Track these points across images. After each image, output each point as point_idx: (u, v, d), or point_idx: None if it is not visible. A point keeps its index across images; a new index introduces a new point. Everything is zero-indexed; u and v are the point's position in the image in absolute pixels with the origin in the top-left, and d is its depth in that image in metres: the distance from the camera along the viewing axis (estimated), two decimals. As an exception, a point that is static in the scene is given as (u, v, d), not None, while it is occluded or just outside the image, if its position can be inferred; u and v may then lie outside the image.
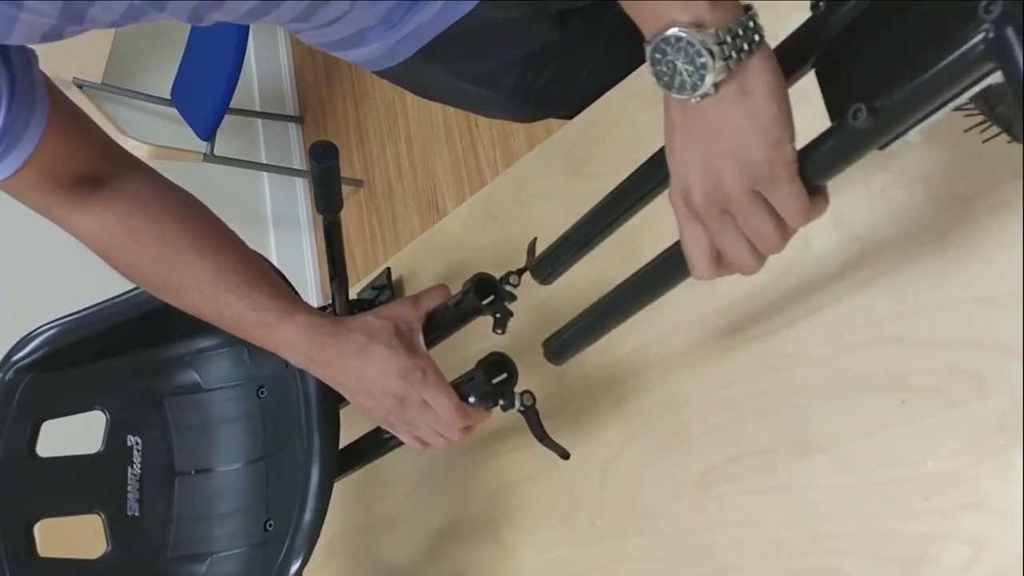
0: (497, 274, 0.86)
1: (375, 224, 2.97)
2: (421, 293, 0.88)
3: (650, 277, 0.68)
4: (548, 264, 0.77)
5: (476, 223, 1.12)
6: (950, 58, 0.49)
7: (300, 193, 3.23)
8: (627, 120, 0.97)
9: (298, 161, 3.25)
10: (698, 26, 0.54)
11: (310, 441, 0.95)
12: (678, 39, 0.55)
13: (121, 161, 0.83)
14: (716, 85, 0.55)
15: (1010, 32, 0.46)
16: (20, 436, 1.03)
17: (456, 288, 0.90)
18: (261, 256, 0.88)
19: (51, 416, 1.06)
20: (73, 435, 1.09)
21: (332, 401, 0.94)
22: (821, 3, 0.58)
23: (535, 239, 0.85)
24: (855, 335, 0.74)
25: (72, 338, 1.06)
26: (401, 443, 0.88)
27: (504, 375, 0.81)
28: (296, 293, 0.89)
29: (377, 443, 0.92)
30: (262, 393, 1.08)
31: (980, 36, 0.47)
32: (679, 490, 0.86)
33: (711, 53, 0.54)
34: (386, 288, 1.18)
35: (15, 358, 1.04)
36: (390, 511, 1.18)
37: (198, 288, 0.83)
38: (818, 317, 0.77)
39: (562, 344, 0.76)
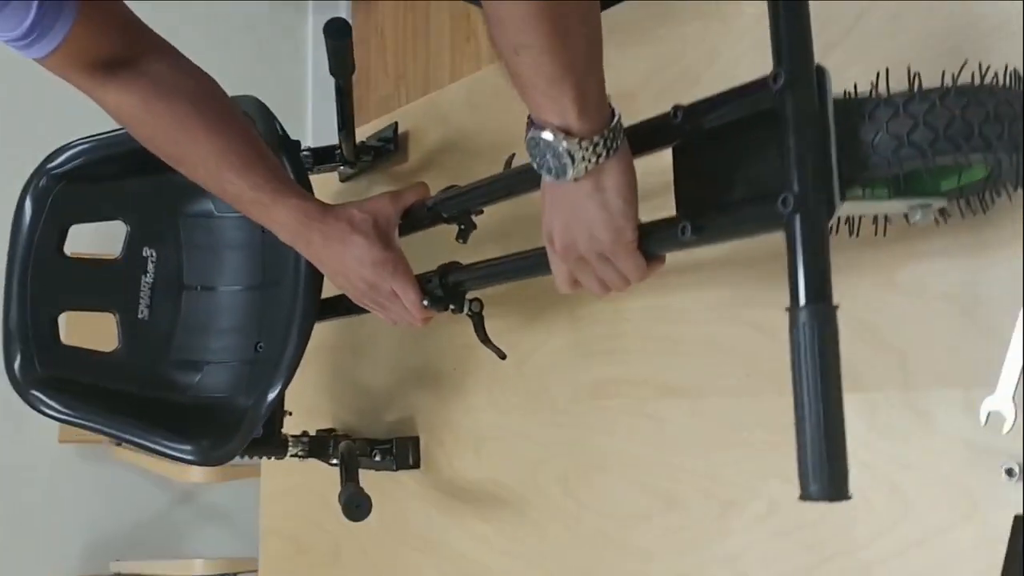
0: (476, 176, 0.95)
1: (413, 20, 2.98)
2: (402, 190, 0.98)
3: (532, 262, 0.81)
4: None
5: (482, 98, 1.19)
6: (756, 217, 0.64)
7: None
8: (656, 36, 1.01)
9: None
10: (566, 132, 0.66)
11: (297, 285, 1.07)
12: (546, 141, 0.66)
13: (146, 44, 0.91)
14: (576, 179, 0.67)
15: (797, 223, 0.60)
16: (50, 237, 1.16)
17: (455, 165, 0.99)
18: (261, 141, 0.96)
19: (78, 221, 1.19)
20: (96, 242, 1.21)
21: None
22: (678, 112, 0.69)
23: (513, 155, 0.93)
24: (723, 313, 0.86)
25: (103, 154, 1.17)
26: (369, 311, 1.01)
27: (457, 283, 0.92)
28: (297, 172, 0.98)
29: (352, 305, 1.04)
30: (265, 229, 1.20)
31: (776, 214, 0.60)
32: (577, 393, 1.00)
33: (572, 158, 0.66)
34: (391, 141, 1.27)
35: (50, 166, 1.16)
36: (361, 348, 1.33)
37: (204, 165, 0.93)
38: (702, 291, 0.88)
39: (466, 280, 0.90)
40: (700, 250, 0.77)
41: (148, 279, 1.20)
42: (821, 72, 0.62)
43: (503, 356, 0.97)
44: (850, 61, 0.77)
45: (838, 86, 0.68)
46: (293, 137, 1.11)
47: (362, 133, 1.32)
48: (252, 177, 0.93)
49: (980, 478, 0.67)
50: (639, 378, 0.94)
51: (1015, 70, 0.63)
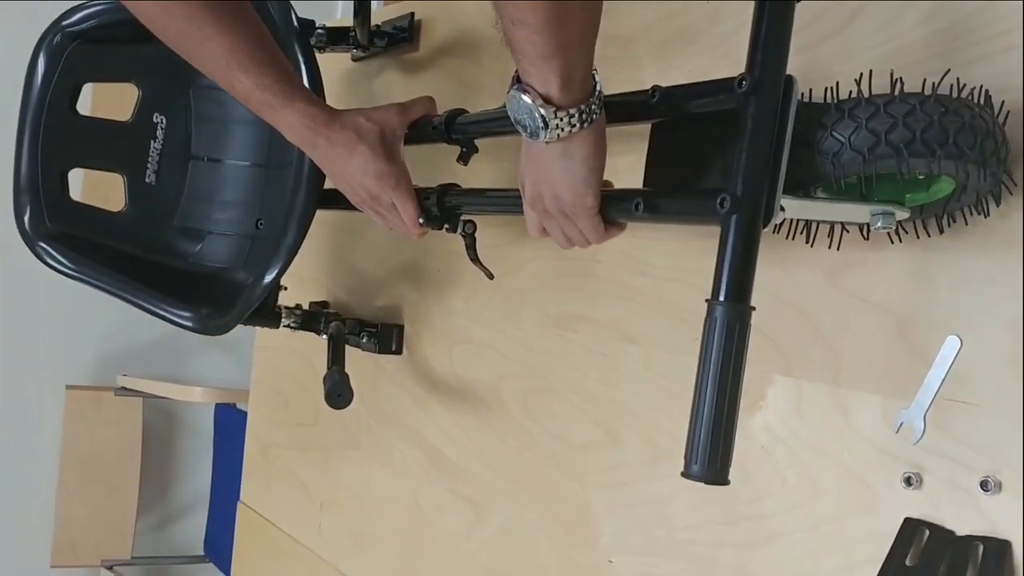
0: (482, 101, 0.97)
1: None
2: (410, 103, 1.00)
3: (512, 201, 0.84)
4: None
5: (478, 11, 1.18)
6: (698, 208, 0.69)
7: None
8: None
9: None
10: (546, 100, 0.69)
11: (300, 174, 1.11)
12: (526, 102, 0.69)
13: None
14: (547, 142, 0.71)
15: (732, 223, 0.63)
16: (63, 94, 1.19)
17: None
18: (272, 43, 0.97)
19: (91, 80, 1.21)
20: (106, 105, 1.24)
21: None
22: (655, 93, 0.72)
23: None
24: (690, 276, 0.90)
25: (119, 16, 1.18)
26: None
27: (454, 206, 0.95)
28: (309, 70, 1.00)
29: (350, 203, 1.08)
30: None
31: (714, 211, 0.64)
32: (542, 319, 1.05)
33: (545, 124, 0.69)
34: (405, 31, 1.27)
35: (65, 23, 1.18)
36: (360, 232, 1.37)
37: (214, 62, 0.94)
38: (675, 247, 0.91)
39: (462, 204, 0.94)
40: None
41: (157, 145, 1.24)
42: (789, 82, 0.64)
43: (491, 276, 1.02)
44: (838, 58, 0.77)
45: (825, 80, 0.70)
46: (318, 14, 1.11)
47: (379, 18, 1.32)
48: (261, 78, 0.94)
49: (883, 479, 0.73)
50: (602, 319, 0.98)
51: (985, 89, 0.64)
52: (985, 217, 0.67)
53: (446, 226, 0.97)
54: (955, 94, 0.65)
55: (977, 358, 0.68)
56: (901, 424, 0.71)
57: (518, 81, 0.70)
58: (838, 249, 0.75)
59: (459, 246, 1.15)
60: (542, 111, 0.69)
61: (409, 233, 0.99)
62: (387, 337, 1.26)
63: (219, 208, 1.25)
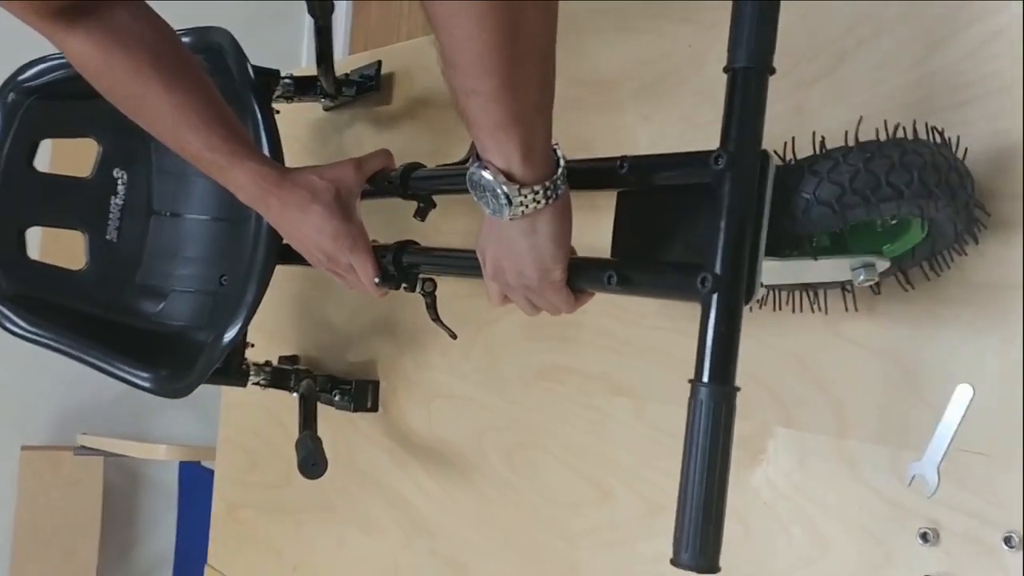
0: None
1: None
2: (366, 158, 0.96)
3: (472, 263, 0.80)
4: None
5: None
6: (676, 285, 0.65)
7: None
8: (643, 30, 1.00)
9: None
10: (508, 176, 0.65)
11: (260, 230, 1.07)
12: (487, 179, 0.66)
13: None
14: (511, 218, 0.67)
15: (713, 302, 0.61)
16: (20, 150, 1.14)
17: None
18: (221, 101, 0.94)
19: (49, 136, 1.17)
20: (66, 161, 1.20)
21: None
22: (624, 163, 0.70)
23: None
24: (679, 324, 0.86)
25: (75, 71, 1.14)
26: None
27: (411, 264, 0.92)
28: (250, 139, 0.96)
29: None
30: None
31: (694, 289, 0.61)
32: (525, 372, 1.02)
33: (510, 202, 0.66)
34: (373, 79, 1.24)
35: (21, 78, 1.13)
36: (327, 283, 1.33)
37: (161, 121, 0.90)
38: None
39: (420, 263, 0.90)
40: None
41: (118, 201, 1.19)
42: (765, 157, 0.62)
43: (454, 336, 0.98)
44: (827, 100, 0.75)
45: (812, 124, 0.68)
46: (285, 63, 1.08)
47: (349, 66, 1.29)
48: (209, 137, 0.91)
49: (897, 536, 0.70)
50: (587, 371, 0.95)
51: (937, 128, 0.63)
52: (963, 256, 0.65)
53: (404, 285, 0.93)
54: (910, 136, 0.63)
55: (986, 406, 0.66)
56: (913, 476, 0.69)
57: (477, 158, 0.67)
58: (825, 313, 0.72)
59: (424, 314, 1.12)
60: (504, 188, 0.66)
61: (370, 293, 0.95)
62: (362, 394, 1.21)
63: (182, 264, 1.21)
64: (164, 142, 0.93)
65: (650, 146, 0.89)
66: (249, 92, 1.05)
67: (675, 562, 0.59)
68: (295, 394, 1.25)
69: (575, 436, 0.96)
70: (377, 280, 0.92)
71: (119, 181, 1.19)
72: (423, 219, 0.93)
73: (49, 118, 1.15)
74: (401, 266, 0.91)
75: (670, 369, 0.87)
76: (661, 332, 0.89)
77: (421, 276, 0.93)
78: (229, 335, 1.05)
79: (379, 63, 1.24)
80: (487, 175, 0.66)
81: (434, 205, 0.94)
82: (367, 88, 1.26)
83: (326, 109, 1.34)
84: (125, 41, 0.88)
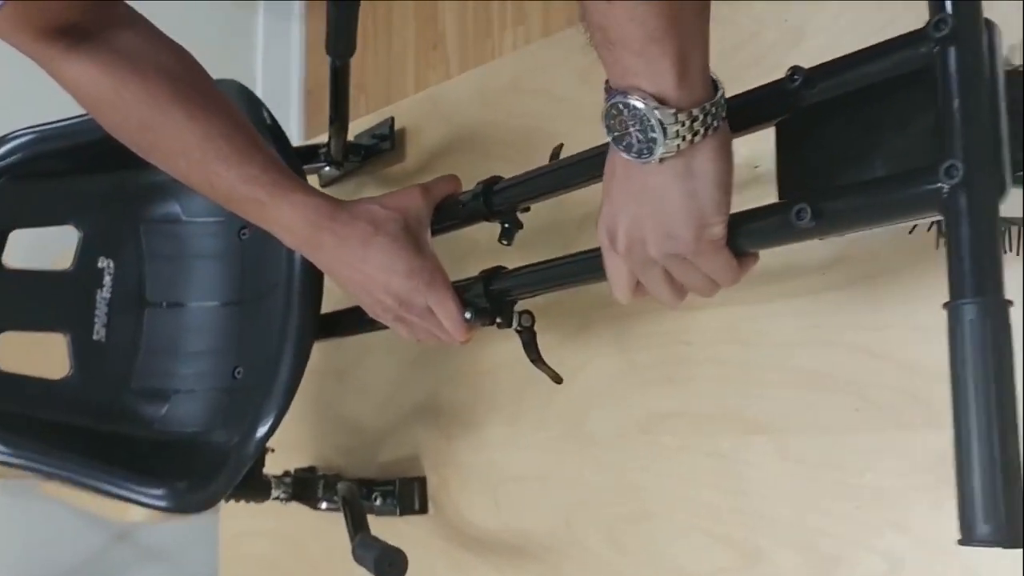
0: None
1: (371, 23, 2.81)
2: (432, 182, 0.83)
3: (582, 266, 0.69)
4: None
5: (496, 91, 1.05)
6: (902, 196, 0.51)
7: (297, -23, 3.05)
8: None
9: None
10: (660, 100, 0.53)
11: (290, 295, 0.91)
12: (635, 108, 0.53)
13: (112, 12, 0.75)
14: (662, 159, 0.55)
15: (963, 199, 0.48)
16: (-14, 244, 0.98)
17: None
18: (253, 128, 0.81)
19: (21, 225, 1.01)
20: (43, 251, 1.04)
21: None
22: (796, 76, 0.57)
23: (561, 145, 0.79)
24: (823, 332, 0.73)
25: (50, 147, 0.99)
26: (386, 327, 0.85)
27: (504, 291, 0.76)
28: (291, 169, 0.82)
29: (362, 322, 0.88)
30: (244, 234, 1.04)
31: (934, 188, 0.49)
32: (622, 428, 0.85)
33: (664, 131, 0.53)
34: (387, 139, 1.12)
35: (-14, 159, 0.98)
36: (349, 373, 1.16)
37: (186, 154, 0.76)
38: (791, 304, 0.74)
39: (514, 287, 0.75)
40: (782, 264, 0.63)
41: (104, 294, 1.02)
42: (990, 25, 0.51)
43: (559, 380, 0.82)
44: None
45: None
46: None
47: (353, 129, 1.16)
48: (246, 168, 0.77)
49: None
50: (705, 412, 0.80)
51: None
52: None
53: (498, 320, 0.77)
54: None
55: None
56: None
57: (615, 90, 0.55)
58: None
59: (482, 363, 0.97)
60: (658, 114, 0.53)
61: (451, 339, 0.79)
62: (407, 494, 1.03)
63: (185, 361, 1.03)
64: (189, 182, 0.79)
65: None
66: (271, 145, 0.91)
67: (968, 539, 0.46)
68: (322, 507, 1.07)
69: (700, 494, 0.79)
70: (468, 316, 0.76)
71: (105, 271, 1.03)
72: (510, 242, 0.78)
73: (20, 203, 0.99)
74: (492, 296, 0.76)
75: (813, 389, 0.72)
76: (791, 348, 0.74)
77: (517, 310, 0.77)
78: (262, 429, 0.88)
79: (392, 120, 1.12)
80: (636, 102, 0.53)
81: (521, 225, 0.79)
82: (377, 151, 1.13)
83: (324, 185, 1.21)
84: (137, 64, 0.75)
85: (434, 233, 0.83)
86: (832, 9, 0.74)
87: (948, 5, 0.50)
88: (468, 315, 0.76)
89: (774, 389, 0.75)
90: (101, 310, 1.02)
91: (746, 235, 0.59)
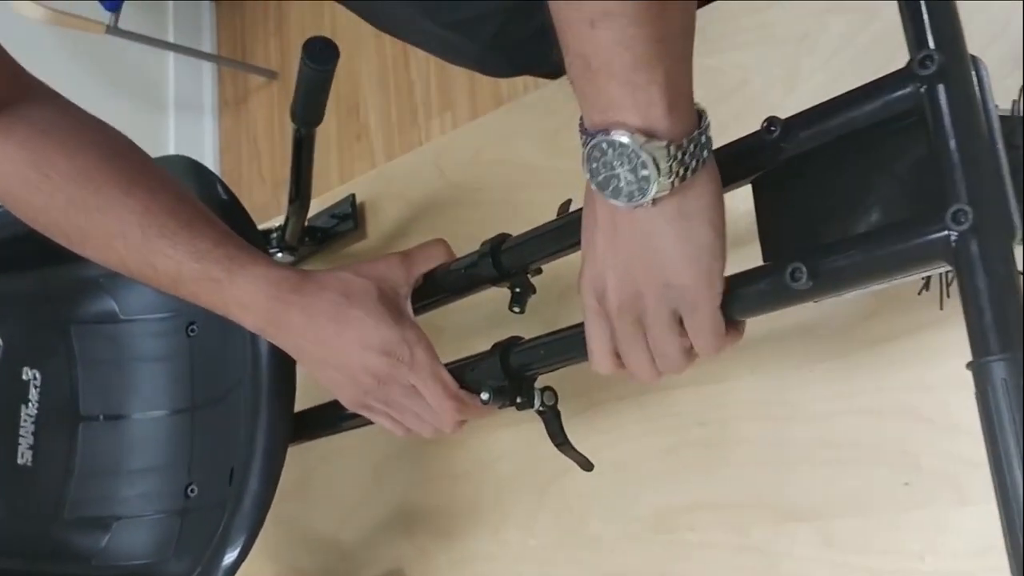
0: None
1: (287, 122, 2.73)
2: (415, 250, 0.73)
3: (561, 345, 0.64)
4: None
5: (456, 161, 0.96)
6: (905, 247, 0.47)
7: (207, 78, 2.96)
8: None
9: (208, 44, 2.96)
10: (648, 134, 0.48)
11: (258, 393, 0.78)
12: (622, 145, 0.48)
13: (29, 88, 0.67)
14: (655, 200, 0.49)
15: (974, 246, 0.44)
16: None
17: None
18: (199, 202, 0.71)
19: (-73, 336, 0.87)
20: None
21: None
22: (774, 127, 0.53)
23: (570, 200, 0.70)
24: (863, 398, 0.65)
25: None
26: (371, 422, 0.74)
27: (523, 365, 0.66)
28: (253, 240, 0.72)
29: (341, 417, 0.77)
30: (192, 331, 0.92)
31: (941, 236, 0.45)
32: (631, 527, 0.75)
33: (657, 168, 0.48)
34: (349, 218, 1.01)
35: None
36: (308, 484, 1.04)
37: (123, 235, 0.66)
38: (822, 370, 0.66)
39: (533, 362, 0.67)
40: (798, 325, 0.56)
41: (30, 411, 0.88)
42: (975, 60, 0.47)
43: (589, 467, 0.71)
44: None
45: None
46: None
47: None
48: (196, 243, 0.67)
49: None
50: (731, 501, 0.70)
51: None
52: None
53: (518, 400, 0.67)
54: None
55: None
56: None
57: (596, 130, 0.49)
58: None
59: (462, 465, 0.86)
60: (649, 149, 0.47)
61: (443, 423, 0.69)
62: (393, 616, 0.90)
63: (128, 482, 0.89)
64: (128, 269, 0.68)
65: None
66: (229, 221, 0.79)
67: None
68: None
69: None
70: (485, 397, 0.65)
71: (30, 384, 0.89)
72: (522, 309, 0.68)
73: (-73, 310, 0.86)
74: (511, 371, 0.65)
75: (855, 464, 0.64)
76: (825, 419, 0.65)
77: (537, 387, 0.67)
78: (230, 556, 0.74)
79: (353, 197, 1.02)
80: (621, 136, 0.47)
81: (534, 290, 0.69)
82: (337, 232, 1.03)
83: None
84: (60, 140, 0.66)
85: (426, 308, 0.73)
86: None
87: (931, 39, 0.46)
88: (485, 396, 0.65)
89: (810, 468, 0.66)
90: (27, 429, 0.88)
91: (737, 301, 0.53)
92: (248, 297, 0.67)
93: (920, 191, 0.47)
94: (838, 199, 0.50)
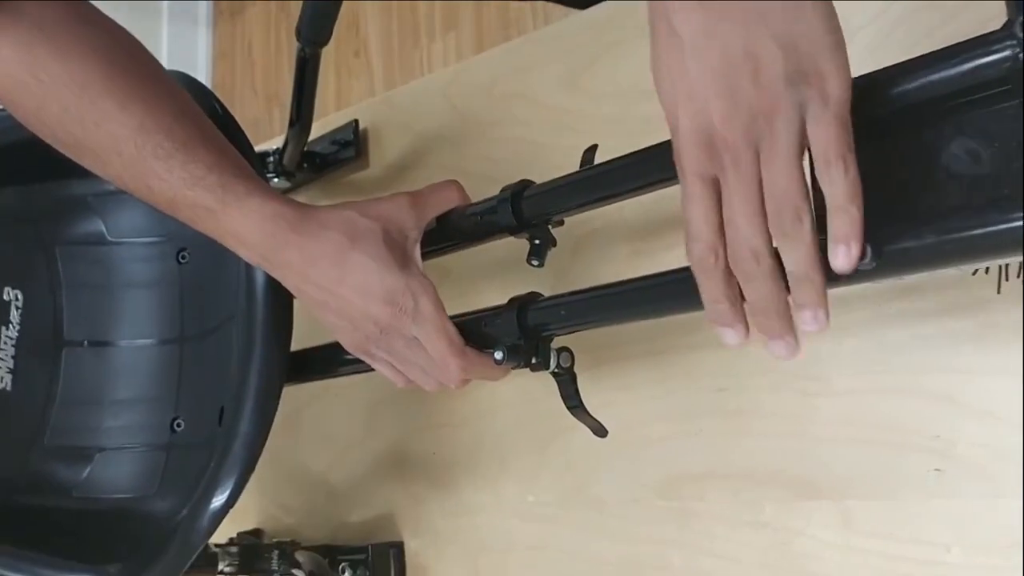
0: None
1: (284, 34, 2.65)
2: (427, 191, 0.68)
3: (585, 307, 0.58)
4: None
5: (467, 94, 0.91)
6: (989, 232, 0.42)
7: (203, -17, 2.86)
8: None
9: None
10: None
11: (252, 329, 0.74)
12: None
13: None
14: None
15: None
16: None
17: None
18: (204, 118, 0.66)
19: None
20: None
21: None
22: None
23: (596, 146, 0.65)
24: (896, 377, 0.60)
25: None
26: (371, 369, 0.70)
27: (540, 325, 0.62)
28: (250, 163, 0.67)
29: (341, 360, 0.73)
30: (183, 258, 0.87)
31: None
32: (635, 491, 0.72)
33: None
34: (350, 145, 0.96)
35: None
36: (298, 421, 1.00)
37: (118, 151, 0.62)
38: (854, 344, 0.62)
39: (552, 322, 0.61)
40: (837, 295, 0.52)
41: (10, 333, 0.84)
42: None
43: (603, 433, 0.68)
44: None
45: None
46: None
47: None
48: (189, 168, 0.62)
49: None
50: (745, 472, 0.66)
51: None
52: None
53: (534, 360, 0.63)
54: None
55: None
56: None
57: None
58: None
59: (461, 413, 0.82)
60: None
61: (447, 377, 0.65)
62: (382, 563, 0.87)
63: (112, 412, 0.86)
64: (123, 184, 0.65)
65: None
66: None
67: None
68: (277, 580, 0.90)
69: (741, 573, 0.66)
70: (499, 356, 0.61)
71: (11, 305, 0.84)
72: (541, 262, 0.64)
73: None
74: (528, 331, 0.61)
75: (884, 446, 0.60)
76: (863, 394, 0.62)
77: (554, 347, 0.63)
78: (219, 499, 0.71)
79: (356, 123, 0.96)
80: None
81: (554, 242, 0.65)
82: (337, 160, 0.98)
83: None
84: (54, 39, 0.61)
85: (435, 253, 0.68)
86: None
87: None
88: (499, 355, 0.61)
89: (833, 446, 0.63)
90: (6, 352, 0.83)
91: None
92: (243, 230, 0.63)
93: (1007, 171, 0.42)
94: (909, 173, 0.45)
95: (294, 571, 0.88)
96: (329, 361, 0.75)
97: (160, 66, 0.67)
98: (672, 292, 0.53)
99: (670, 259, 0.70)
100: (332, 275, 0.63)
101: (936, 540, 0.58)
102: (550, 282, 0.72)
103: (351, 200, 0.66)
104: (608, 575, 0.73)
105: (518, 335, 0.61)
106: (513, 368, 0.62)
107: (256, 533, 1.01)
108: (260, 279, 0.72)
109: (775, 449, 0.65)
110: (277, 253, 0.63)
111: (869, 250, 0.44)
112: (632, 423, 0.72)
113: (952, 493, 0.58)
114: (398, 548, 0.88)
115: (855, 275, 0.45)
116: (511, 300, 0.63)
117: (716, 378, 0.68)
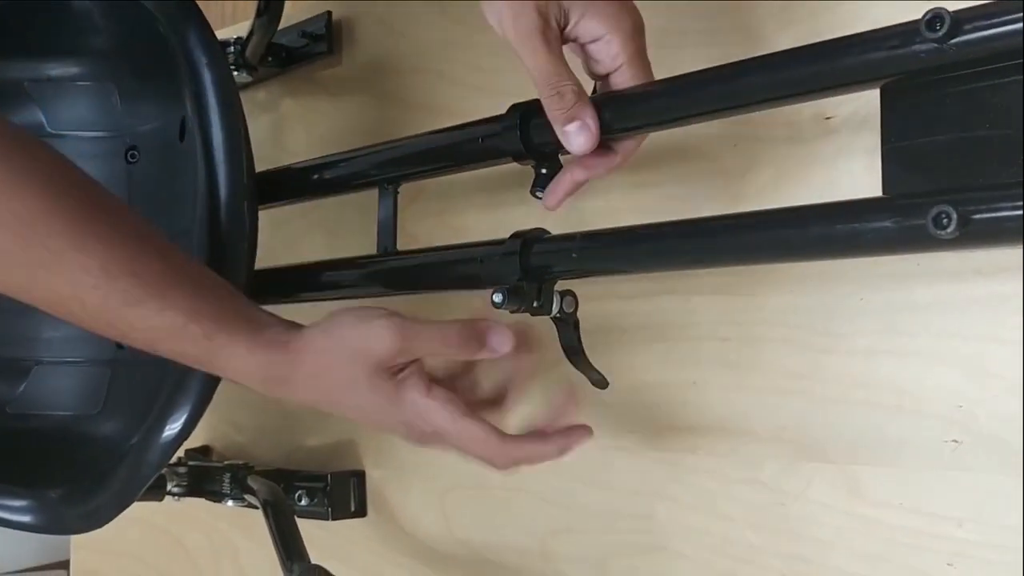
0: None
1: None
2: (424, 326, 0.57)
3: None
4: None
5: (419, 3, 0.82)
6: None
7: None
8: None
9: None
10: None
11: (208, 244, 0.68)
12: None
13: None
14: None
15: None
16: None
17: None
18: (168, 243, 0.58)
19: None
20: None
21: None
22: (939, 22, 0.40)
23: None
24: (918, 340, 0.56)
25: None
26: (340, 297, 0.64)
27: (544, 266, 0.56)
28: (229, 285, 0.60)
29: (309, 286, 0.66)
30: (132, 157, 0.79)
31: None
32: (622, 439, 0.67)
33: None
34: (322, 39, 0.88)
35: None
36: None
37: (80, 299, 0.54)
38: (876, 301, 0.57)
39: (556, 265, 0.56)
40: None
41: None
42: None
43: (604, 384, 0.63)
44: None
45: None
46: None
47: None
48: (165, 315, 0.55)
49: None
50: (741, 429, 0.62)
51: None
52: None
53: (535, 304, 0.57)
54: None
55: None
56: None
57: None
58: None
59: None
60: None
61: (497, 469, 0.58)
62: (341, 492, 0.83)
63: (51, 323, 0.78)
64: (93, 331, 0.57)
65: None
66: (195, 52, 0.66)
67: None
68: (229, 504, 0.85)
69: (733, 532, 0.62)
70: (498, 298, 0.55)
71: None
72: (543, 190, 0.58)
73: None
74: (530, 271, 0.55)
75: (898, 412, 0.56)
76: (869, 357, 0.57)
77: (557, 290, 0.57)
78: (172, 428, 0.65)
79: (329, 15, 0.88)
80: None
81: (560, 166, 0.58)
82: (306, 55, 0.89)
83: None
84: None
85: (420, 175, 0.62)
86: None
87: None
88: (498, 297, 0.55)
89: (843, 407, 0.59)
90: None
91: (847, 238, 0.44)
92: (236, 376, 0.58)
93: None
94: (998, 132, 0.40)
95: (246, 496, 0.83)
96: (296, 284, 0.69)
97: (105, 191, 0.58)
98: (709, 245, 0.47)
99: (670, 191, 0.65)
100: (340, 407, 0.59)
101: (947, 514, 0.55)
102: (529, 210, 0.65)
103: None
104: (591, 524, 0.69)
105: (519, 275, 0.55)
106: (512, 312, 0.56)
107: (204, 451, 0.96)
108: (223, 194, 0.65)
109: (779, 406, 0.61)
110: (277, 393, 0.59)
111: (955, 218, 0.39)
112: (622, 367, 0.67)
113: (969, 466, 0.54)
114: (359, 477, 0.84)
115: (934, 244, 0.39)
116: (513, 235, 0.57)
117: (719, 326, 0.64)
